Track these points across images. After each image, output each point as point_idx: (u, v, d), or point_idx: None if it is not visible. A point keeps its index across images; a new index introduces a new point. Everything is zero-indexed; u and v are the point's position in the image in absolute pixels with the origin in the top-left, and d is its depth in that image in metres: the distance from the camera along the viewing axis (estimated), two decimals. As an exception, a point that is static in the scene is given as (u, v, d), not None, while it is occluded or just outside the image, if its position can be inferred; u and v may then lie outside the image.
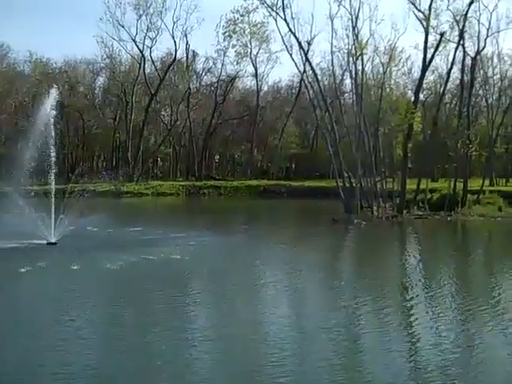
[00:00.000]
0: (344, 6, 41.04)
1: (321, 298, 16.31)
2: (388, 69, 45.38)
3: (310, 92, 48.20)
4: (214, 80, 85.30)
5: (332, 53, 44.83)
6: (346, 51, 43.94)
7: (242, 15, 65.93)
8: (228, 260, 22.30)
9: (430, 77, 68.91)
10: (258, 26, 70.36)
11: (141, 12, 72.62)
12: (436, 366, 10.43)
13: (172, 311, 14.18)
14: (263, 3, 43.56)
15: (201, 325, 13.14)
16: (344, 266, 22.75)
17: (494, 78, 65.60)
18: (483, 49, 47.79)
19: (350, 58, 42.98)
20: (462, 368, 10.59)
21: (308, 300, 16.14)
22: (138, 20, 73.08)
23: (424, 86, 65.56)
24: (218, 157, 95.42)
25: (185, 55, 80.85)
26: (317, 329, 12.72)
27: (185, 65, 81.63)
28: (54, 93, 28.84)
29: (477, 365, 10.72)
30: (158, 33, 74.35)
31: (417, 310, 14.79)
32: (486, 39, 45.98)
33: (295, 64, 45.50)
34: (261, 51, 77.38)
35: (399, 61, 49.17)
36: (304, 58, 44.33)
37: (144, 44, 74.86)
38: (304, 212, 49.74)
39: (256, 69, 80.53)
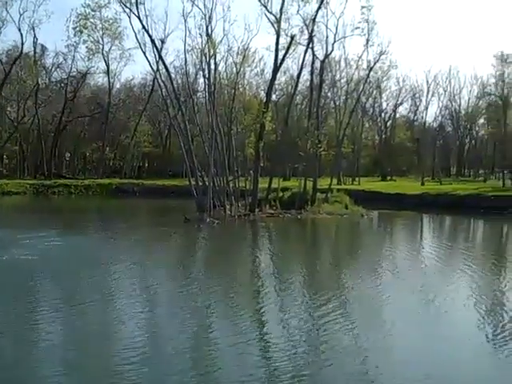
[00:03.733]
0: (197, 6, 41.05)
1: (172, 300, 16.06)
2: (241, 69, 45.89)
3: (163, 90, 47.76)
4: (64, 76, 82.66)
5: (186, 52, 44.70)
6: (199, 50, 43.92)
7: (93, 10, 63.99)
8: (77, 261, 21.51)
9: (282, 78, 70.94)
10: (111, 21, 68.41)
11: (-18, 1, 68.86)
12: (288, 363, 10.61)
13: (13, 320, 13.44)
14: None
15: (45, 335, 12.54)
16: (195, 265, 22.64)
17: (342, 81, 68.43)
18: (331, 53, 49.50)
19: (204, 58, 43.02)
20: (310, 357, 10.85)
21: (159, 302, 15.85)
22: (-21, 9, 69.28)
23: (276, 86, 67.32)
24: (68, 155, 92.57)
25: (32, 49, 77.70)
26: (168, 333, 12.57)
27: (32, 59, 78.39)
28: None
29: (326, 362, 10.98)
30: (2, 24, 70.81)
31: (267, 308, 15.01)
32: (333, 44, 47.56)
33: (148, 62, 44.67)
34: (113, 48, 75.79)
35: (252, 61, 50.01)
36: (157, 56, 43.80)
37: (-13, 36, 71.13)
38: (156, 211, 49.31)
39: (108, 66, 78.89)
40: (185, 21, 41.70)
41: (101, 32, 71.32)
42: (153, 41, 42.00)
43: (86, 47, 71.72)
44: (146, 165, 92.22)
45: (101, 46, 74.13)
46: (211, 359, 10.98)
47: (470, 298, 16.03)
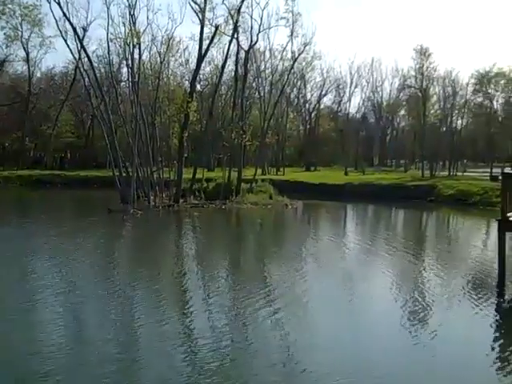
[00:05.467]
0: (121, -7, 40.43)
1: (96, 292, 15.85)
2: (165, 59, 45.48)
3: (86, 80, 46.97)
4: (-20, 63, 79.95)
5: (108, 40, 43.93)
6: (122, 39, 43.23)
7: (12, -5, 62.48)
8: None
9: (206, 68, 70.66)
10: (30, 8, 67.23)
11: None
12: (213, 358, 10.65)
13: None
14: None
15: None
16: (119, 257, 22.41)
17: (266, 71, 68.65)
18: (255, 43, 49.63)
19: (127, 47, 42.40)
20: (235, 352, 10.93)
21: (83, 295, 15.59)
22: None
23: (201, 76, 67.03)
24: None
25: None
26: (91, 328, 12.43)
27: None
28: None
29: (252, 355, 11.08)
30: None
31: (192, 299, 15.04)
32: (258, 34, 47.77)
33: (70, 50, 43.66)
34: (33, 35, 73.80)
35: (176, 51, 49.61)
36: (79, 45, 42.89)
37: None
38: (79, 203, 48.47)
39: (28, 53, 76.79)
40: (107, 9, 41.08)
41: (20, 18, 69.73)
42: (74, 28, 41.14)
43: (4, 34, 70.01)
44: (69, 155, 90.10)
45: (20, 33, 72.35)
46: (135, 358, 10.89)
47: (390, 286, 16.48)
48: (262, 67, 69.81)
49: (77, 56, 44.47)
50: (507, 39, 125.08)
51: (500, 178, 21.31)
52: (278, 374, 9.96)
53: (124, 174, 40.99)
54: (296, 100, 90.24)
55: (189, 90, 45.86)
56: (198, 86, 66.57)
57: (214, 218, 36.15)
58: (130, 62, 42.90)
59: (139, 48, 41.76)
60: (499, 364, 10.64)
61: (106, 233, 29.08)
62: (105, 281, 16.91)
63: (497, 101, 70.16)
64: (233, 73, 54.46)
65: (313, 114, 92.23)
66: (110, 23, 41.84)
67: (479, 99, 71.32)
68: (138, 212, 35.09)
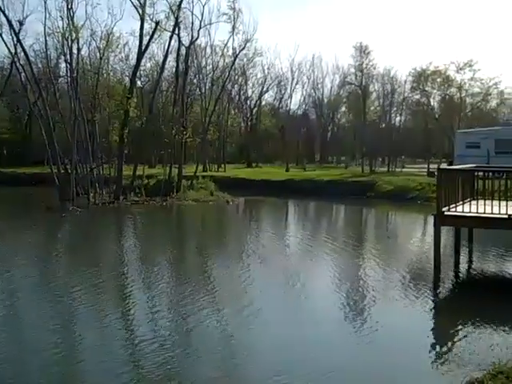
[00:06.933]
0: (58, -13, 39.74)
1: (36, 291, 15.58)
2: (105, 54, 44.91)
3: (23, 75, 45.98)
4: None
5: (46, 35, 43.16)
6: (60, 34, 42.45)
7: None
8: None
9: (147, 64, 69.97)
10: (-38, 0, 65.28)
11: None
12: (154, 358, 10.60)
13: None
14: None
15: None
16: (56, 256, 22.01)
17: (207, 68, 68.57)
18: (196, 39, 49.47)
19: (65, 42, 41.69)
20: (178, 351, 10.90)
21: (18, 300, 15.32)
22: None
23: (141, 72, 66.34)
24: None
25: None
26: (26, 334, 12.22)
27: None
28: None
29: (196, 355, 11.04)
30: None
31: (135, 298, 14.89)
32: (198, 30, 47.61)
33: (5, 44, 42.84)
34: (-34, 28, 71.77)
35: (116, 47, 48.97)
36: (15, 39, 42.07)
37: None
38: (16, 200, 47.35)
39: (-39, 47, 74.89)
40: (45, 2, 40.33)
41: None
42: (10, 22, 40.30)
43: None
44: (5, 152, 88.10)
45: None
46: (74, 358, 10.76)
47: (331, 283, 16.68)
48: (203, 63, 69.66)
49: (13, 50, 43.57)
50: (443, 39, 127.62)
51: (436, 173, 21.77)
52: (222, 375, 9.92)
53: (63, 171, 40.37)
54: (237, 97, 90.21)
55: (129, 86, 45.44)
56: (139, 82, 66.06)
57: (154, 214, 35.91)
58: (68, 57, 42.18)
59: (78, 43, 41.15)
60: (434, 359, 10.85)
61: (43, 231, 28.64)
62: (40, 283, 16.63)
63: (433, 98, 71.50)
64: (174, 69, 54.19)
65: (254, 111, 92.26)
66: (48, 17, 41.02)
67: (417, 97, 72.56)
68: (78, 209, 34.57)
